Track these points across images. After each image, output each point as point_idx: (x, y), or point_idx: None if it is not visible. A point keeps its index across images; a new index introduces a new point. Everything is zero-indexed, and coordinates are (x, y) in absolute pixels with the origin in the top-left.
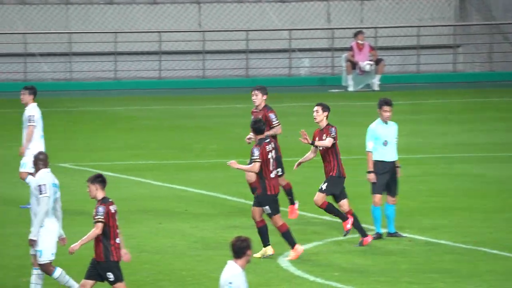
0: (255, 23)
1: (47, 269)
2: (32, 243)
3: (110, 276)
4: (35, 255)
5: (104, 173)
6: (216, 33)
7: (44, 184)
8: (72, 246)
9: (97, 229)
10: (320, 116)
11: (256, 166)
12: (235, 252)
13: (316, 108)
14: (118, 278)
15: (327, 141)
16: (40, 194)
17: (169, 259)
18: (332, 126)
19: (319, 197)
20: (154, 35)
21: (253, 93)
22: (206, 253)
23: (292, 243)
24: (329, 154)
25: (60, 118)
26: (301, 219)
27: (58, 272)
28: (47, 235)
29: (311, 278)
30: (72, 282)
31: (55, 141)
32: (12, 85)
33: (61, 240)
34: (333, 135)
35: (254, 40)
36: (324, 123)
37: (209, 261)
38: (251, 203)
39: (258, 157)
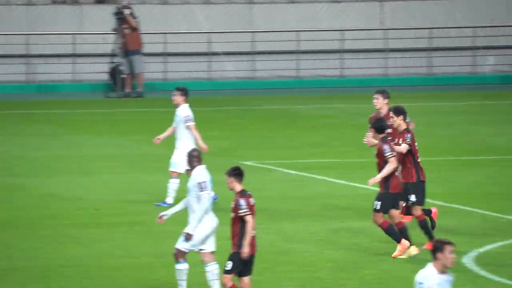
0: (439, 21)
1: (177, 255)
2: (189, 237)
3: (228, 265)
4: (206, 252)
5: (285, 171)
6: (398, 31)
7: (205, 181)
8: (242, 250)
9: (250, 222)
10: (396, 121)
11: (394, 161)
12: (431, 253)
13: (391, 114)
14: (234, 270)
15: (403, 147)
16: (201, 191)
17: (352, 257)
18: (409, 132)
19: (417, 211)
20: (336, 33)
21: (374, 96)
22: (390, 252)
23: (397, 240)
24: (407, 160)
25: (243, 116)
26: (485, 219)
27: (183, 266)
28: (199, 228)
29: (496, 278)
30: (184, 284)
31: (238, 139)
32: (197, 84)
33: (159, 218)
34: (408, 141)
35: (438, 38)
36: (402, 127)
37: (393, 260)
38: (438, 202)
39: (392, 152)
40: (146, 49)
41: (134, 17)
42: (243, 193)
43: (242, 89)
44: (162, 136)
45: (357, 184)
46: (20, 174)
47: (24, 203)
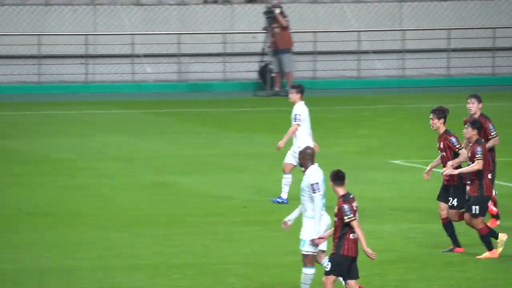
0: None
1: (305, 260)
2: (318, 242)
3: (328, 266)
4: (308, 255)
5: (434, 170)
6: None
7: (317, 183)
8: (367, 252)
9: (356, 227)
10: (436, 124)
11: (481, 164)
12: None
13: (431, 116)
14: (333, 272)
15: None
16: (314, 193)
17: (501, 257)
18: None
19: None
20: (488, 31)
21: (468, 100)
22: None
23: (489, 247)
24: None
25: (392, 115)
26: None
27: (310, 270)
28: (314, 228)
29: None
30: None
31: (387, 137)
32: (345, 82)
33: (284, 224)
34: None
35: None
36: (441, 130)
37: None
38: None
39: (482, 156)
40: (296, 47)
41: (284, 16)
42: (346, 198)
43: (391, 87)
44: (282, 141)
45: (502, 183)
46: (171, 172)
47: (173, 200)
